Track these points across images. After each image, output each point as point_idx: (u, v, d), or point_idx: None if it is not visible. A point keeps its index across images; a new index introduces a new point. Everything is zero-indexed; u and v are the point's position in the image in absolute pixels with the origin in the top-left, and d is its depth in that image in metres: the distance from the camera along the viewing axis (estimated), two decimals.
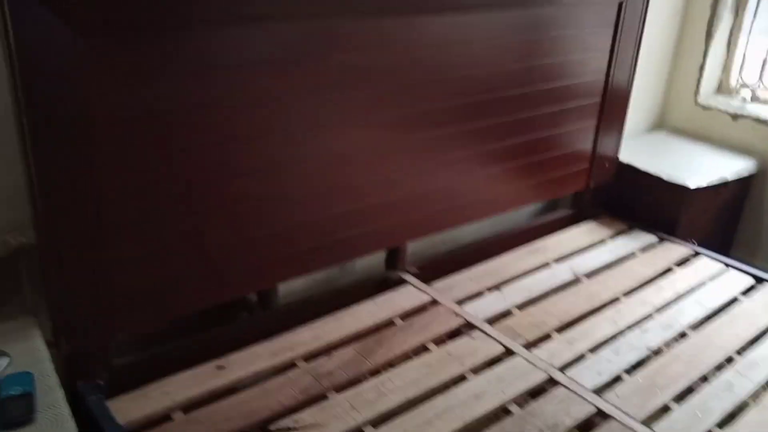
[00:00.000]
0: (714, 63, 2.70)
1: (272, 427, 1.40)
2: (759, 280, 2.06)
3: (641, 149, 2.53)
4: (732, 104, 2.62)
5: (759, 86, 2.63)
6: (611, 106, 2.32)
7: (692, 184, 2.27)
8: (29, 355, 1.30)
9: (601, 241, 2.29)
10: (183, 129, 1.38)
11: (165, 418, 1.41)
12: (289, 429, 1.39)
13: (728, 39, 2.67)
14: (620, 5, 2.17)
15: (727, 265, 2.15)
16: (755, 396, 1.57)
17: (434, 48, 1.73)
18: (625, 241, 2.29)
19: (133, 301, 1.44)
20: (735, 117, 2.60)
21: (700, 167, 2.39)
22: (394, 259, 2.00)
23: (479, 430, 1.41)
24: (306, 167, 1.62)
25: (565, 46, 2.07)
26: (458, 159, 1.95)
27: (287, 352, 1.62)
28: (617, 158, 2.45)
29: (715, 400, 1.54)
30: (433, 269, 2.04)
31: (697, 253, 2.22)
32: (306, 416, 1.43)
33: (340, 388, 1.53)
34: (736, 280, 2.06)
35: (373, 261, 2.02)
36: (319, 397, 1.50)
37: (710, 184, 2.32)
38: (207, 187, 1.46)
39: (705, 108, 2.70)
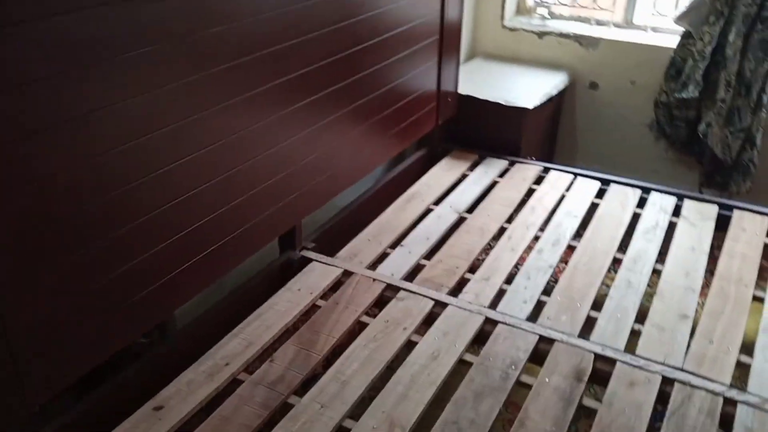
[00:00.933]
0: None
1: None
2: (603, 182, 2.30)
3: (466, 79, 2.64)
4: (534, 23, 2.83)
5: (555, 3, 2.86)
6: (447, 42, 2.38)
7: (530, 105, 2.43)
8: None
9: (463, 176, 2.38)
10: (61, 146, 1.14)
11: None
12: None
13: None
14: None
15: (575, 174, 2.36)
16: (651, 285, 1.78)
17: (289, 9, 1.58)
18: (483, 170, 2.41)
19: (47, 359, 1.21)
20: (541, 35, 2.81)
21: (526, 87, 2.56)
22: (288, 239, 1.90)
23: (452, 390, 1.43)
24: (191, 164, 1.44)
25: None
26: (329, 124, 1.87)
27: (224, 370, 1.48)
28: (457, 91, 2.53)
29: (625, 299, 1.72)
30: (327, 240, 1.98)
31: (546, 168, 2.41)
32: (279, 431, 1.33)
33: (300, 390, 1.44)
34: (587, 186, 2.28)
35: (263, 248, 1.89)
36: (284, 408, 1.40)
37: (542, 102, 2.51)
38: (100, 208, 1.24)
39: (512, 30, 2.88)
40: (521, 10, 2.94)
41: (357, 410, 1.39)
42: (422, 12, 2.19)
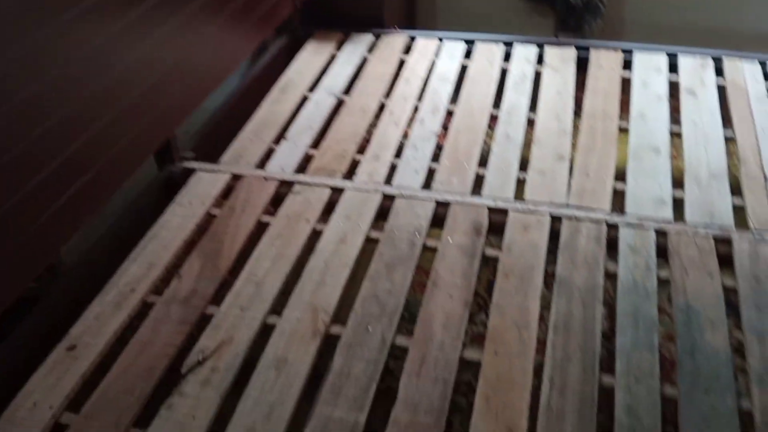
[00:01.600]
0: None
1: (183, 369, 1.28)
2: (468, 42, 2.34)
3: None
4: None
5: None
6: None
7: None
8: None
9: (332, 57, 2.33)
10: None
11: (56, 428, 1.20)
12: (200, 362, 1.29)
13: None
14: None
15: (440, 39, 2.37)
16: (528, 134, 1.88)
17: None
18: (350, 48, 2.36)
19: None
20: None
21: None
22: (166, 153, 1.81)
23: (365, 268, 1.47)
24: (45, 90, 1.31)
25: None
26: (180, 26, 1.74)
27: (131, 297, 1.44)
28: None
29: (506, 152, 1.80)
30: (205, 146, 1.91)
31: (412, 37, 2.40)
32: (205, 341, 1.33)
33: (215, 299, 1.43)
34: (453, 49, 2.30)
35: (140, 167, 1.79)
36: (203, 318, 1.39)
37: None
38: None
39: None
40: None
41: (278, 306, 1.41)
42: None
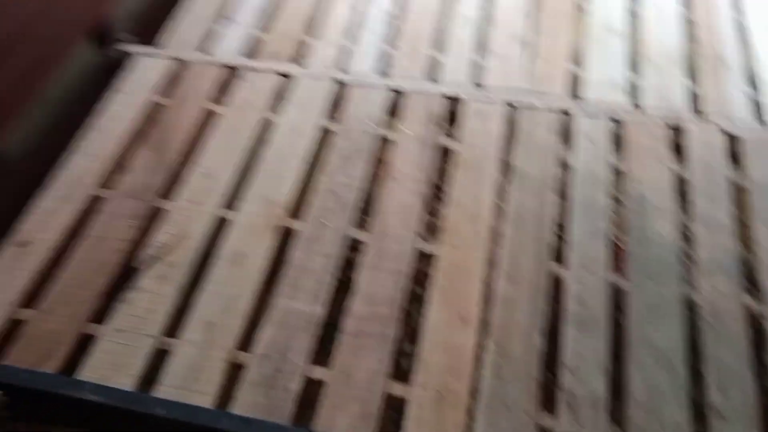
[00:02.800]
0: None
1: (138, 265, 1.27)
2: None
3: None
4: None
5: None
6: None
7: None
8: None
9: None
10: None
11: (13, 324, 1.20)
12: (157, 258, 1.28)
13: None
14: None
15: None
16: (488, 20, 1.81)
17: None
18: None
19: None
20: None
21: None
22: (102, 35, 1.68)
23: (320, 160, 1.45)
24: None
25: None
26: None
27: (78, 189, 1.39)
28: None
29: (464, 34, 1.74)
30: (144, 27, 1.78)
31: None
32: (159, 237, 1.31)
33: (166, 194, 1.40)
34: None
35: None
36: (154, 212, 1.36)
37: None
38: None
39: None
40: None
41: (232, 200, 1.38)
42: None
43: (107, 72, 1.66)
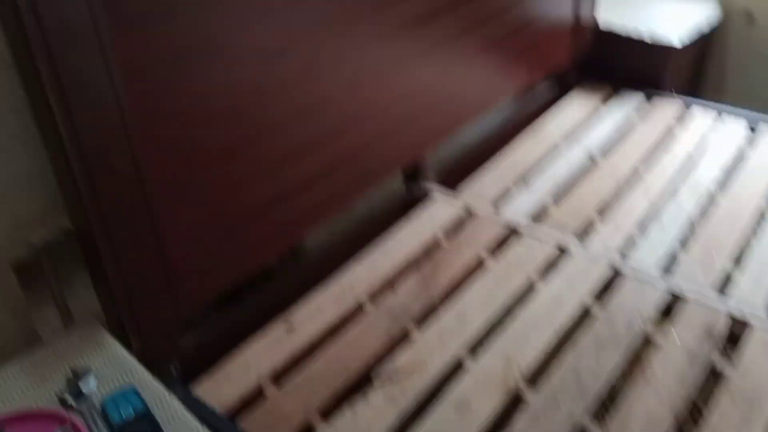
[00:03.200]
0: None
1: (375, 380, 1.34)
2: (752, 123, 2.11)
3: (606, 7, 2.45)
4: None
5: None
6: None
7: (678, 43, 2.24)
8: (112, 363, 1.13)
9: (596, 110, 2.27)
10: (206, 73, 1.18)
11: (257, 394, 1.33)
12: (391, 379, 1.34)
13: None
14: None
15: (719, 112, 2.19)
16: None
17: None
18: (617, 105, 2.28)
19: (197, 269, 1.30)
20: None
21: (673, 20, 2.35)
22: (413, 173, 1.90)
23: (573, 337, 1.41)
24: (321, 94, 1.46)
25: None
26: (456, 54, 1.82)
27: (349, 294, 1.54)
28: (595, 21, 2.37)
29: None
30: (450, 175, 1.97)
31: (687, 105, 2.24)
32: (400, 359, 1.38)
33: (419, 322, 1.48)
34: (733, 127, 2.10)
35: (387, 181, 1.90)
36: (404, 337, 1.44)
37: (691, 38, 2.30)
38: (240, 134, 1.29)
39: None
40: None
41: (476, 347, 1.41)
42: None
43: (407, 203, 1.86)
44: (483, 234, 1.71)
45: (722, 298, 1.49)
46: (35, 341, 1.25)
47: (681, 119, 2.18)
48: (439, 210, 1.80)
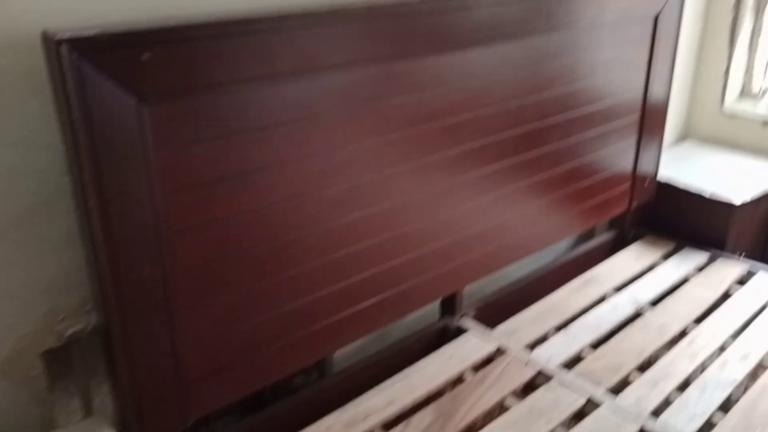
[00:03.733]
0: (737, 68, 2.64)
1: None
2: None
3: (673, 163, 2.48)
4: (759, 111, 2.57)
5: None
6: (650, 122, 2.26)
7: (738, 200, 2.20)
8: None
9: (653, 265, 2.22)
10: (246, 192, 1.28)
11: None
12: None
13: (749, 42, 2.62)
14: (656, 19, 2.10)
15: None
16: None
17: (452, 85, 1.60)
18: (677, 262, 2.22)
19: (208, 381, 1.33)
20: (766, 124, 2.55)
21: (739, 179, 2.33)
22: (450, 304, 1.91)
23: None
24: (366, 219, 1.52)
25: (601, 67, 1.99)
26: (506, 195, 1.86)
27: (361, 423, 1.52)
28: (656, 176, 2.38)
29: None
30: (489, 311, 1.95)
31: (750, 272, 2.15)
32: None
33: None
34: None
35: (424, 309, 1.92)
36: None
37: (755, 198, 2.26)
38: (275, 249, 1.36)
39: (731, 116, 2.65)
40: (745, 93, 2.70)
41: None
42: (622, 89, 2.11)
43: (441, 334, 1.86)
44: (511, 376, 1.67)
45: None
46: (51, 428, 1.32)
47: (743, 283, 2.10)
48: (471, 345, 1.78)
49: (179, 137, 1.14)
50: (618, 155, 2.22)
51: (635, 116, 2.21)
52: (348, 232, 1.50)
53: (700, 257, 2.24)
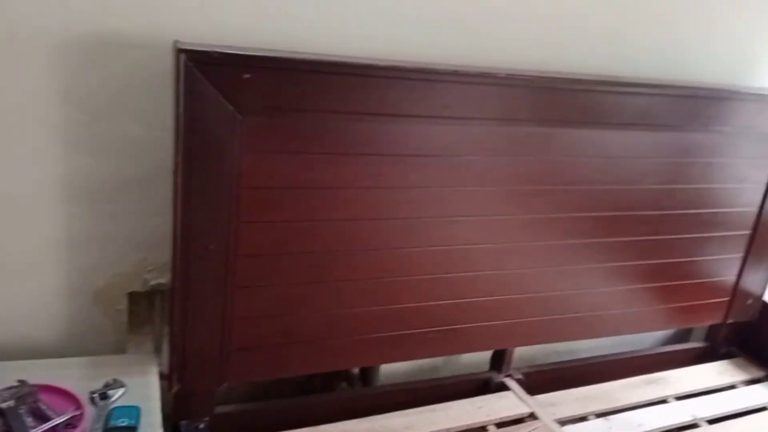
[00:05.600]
0: None
1: None
2: None
3: None
4: None
5: None
6: (762, 240, 2.17)
7: None
8: (142, 388, 1.41)
9: (732, 386, 2.11)
10: (317, 203, 1.48)
11: None
12: None
13: None
14: None
15: None
16: None
17: (576, 158, 1.73)
18: (761, 389, 2.10)
19: (247, 355, 1.54)
20: None
21: None
22: (499, 360, 1.98)
23: None
24: (427, 254, 1.66)
25: (717, 174, 1.98)
26: (584, 271, 1.90)
27: None
28: (761, 297, 2.26)
29: None
30: (538, 379, 1.99)
31: None
32: None
33: None
34: None
35: (479, 358, 2.00)
36: None
37: None
38: (332, 259, 1.55)
39: None
40: None
41: None
42: (740, 201, 2.07)
43: (483, 384, 1.93)
44: None
45: None
46: (122, 351, 1.60)
47: None
48: (505, 403, 1.84)
49: (264, 145, 1.37)
50: (720, 265, 2.16)
51: (746, 231, 2.14)
52: (421, 262, 1.65)
53: None
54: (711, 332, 2.33)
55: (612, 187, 1.81)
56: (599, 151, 1.75)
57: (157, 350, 1.63)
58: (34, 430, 1.21)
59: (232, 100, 1.28)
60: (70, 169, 1.43)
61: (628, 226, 1.89)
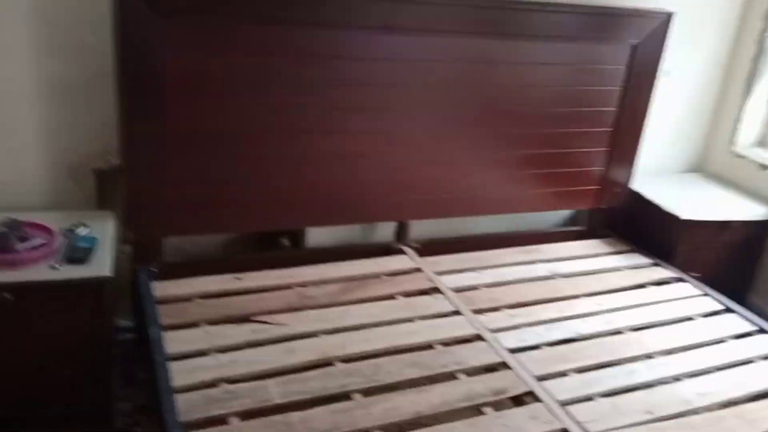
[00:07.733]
0: (755, 117, 2.87)
1: (253, 318, 1.91)
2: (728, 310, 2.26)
3: (666, 185, 2.79)
4: (764, 156, 2.79)
5: None
6: (623, 138, 2.61)
7: (684, 215, 2.50)
8: (102, 231, 1.91)
9: (595, 255, 2.57)
10: (232, 92, 1.96)
11: (186, 300, 1.98)
12: (264, 322, 1.90)
13: None
14: (633, 47, 2.47)
15: (705, 294, 2.35)
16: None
17: (486, 64, 2.27)
18: (619, 259, 2.56)
19: (183, 213, 2.03)
20: (765, 167, 2.77)
21: (709, 206, 2.61)
22: (402, 232, 2.46)
23: (406, 354, 1.83)
24: (336, 138, 2.14)
25: (585, 78, 2.45)
26: (469, 158, 2.38)
27: (289, 279, 2.13)
28: (628, 185, 2.71)
29: (611, 379, 1.83)
30: (431, 248, 2.45)
31: (679, 279, 2.44)
32: (280, 318, 1.93)
33: (315, 306, 2.01)
34: (705, 304, 2.29)
35: (387, 232, 2.48)
36: (296, 309, 1.99)
37: (706, 220, 2.53)
38: (251, 138, 2.04)
39: (738, 157, 2.88)
40: (765, 143, 2.90)
41: (335, 332, 1.91)
42: (601, 102, 2.52)
43: (385, 249, 2.41)
44: (411, 284, 2.19)
45: (537, 382, 1.78)
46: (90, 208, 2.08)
47: (661, 285, 2.40)
48: (397, 262, 2.32)
49: (185, 43, 1.85)
50: (588, 157, 2.61)
51: (607, 128, 2.59)
52: (322, 143, 2.13)
53: (641, 260, 2.55)
54: (590, 217, 2.79)
55: (503, 91, 2.32)
56: (507, 58, 2.26)
57: (119, 216, 2.11)
58: (20, 244, 1.71)
59: (154, 5, 1.75)
60: (42, 71, 1.90)
61: (510, 120, 2.37)
